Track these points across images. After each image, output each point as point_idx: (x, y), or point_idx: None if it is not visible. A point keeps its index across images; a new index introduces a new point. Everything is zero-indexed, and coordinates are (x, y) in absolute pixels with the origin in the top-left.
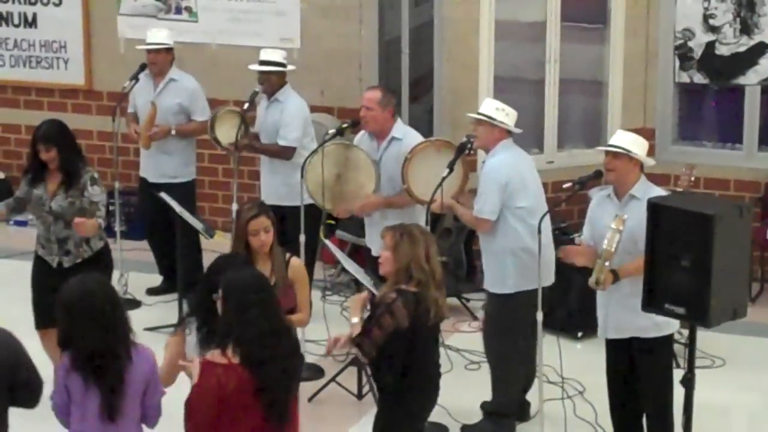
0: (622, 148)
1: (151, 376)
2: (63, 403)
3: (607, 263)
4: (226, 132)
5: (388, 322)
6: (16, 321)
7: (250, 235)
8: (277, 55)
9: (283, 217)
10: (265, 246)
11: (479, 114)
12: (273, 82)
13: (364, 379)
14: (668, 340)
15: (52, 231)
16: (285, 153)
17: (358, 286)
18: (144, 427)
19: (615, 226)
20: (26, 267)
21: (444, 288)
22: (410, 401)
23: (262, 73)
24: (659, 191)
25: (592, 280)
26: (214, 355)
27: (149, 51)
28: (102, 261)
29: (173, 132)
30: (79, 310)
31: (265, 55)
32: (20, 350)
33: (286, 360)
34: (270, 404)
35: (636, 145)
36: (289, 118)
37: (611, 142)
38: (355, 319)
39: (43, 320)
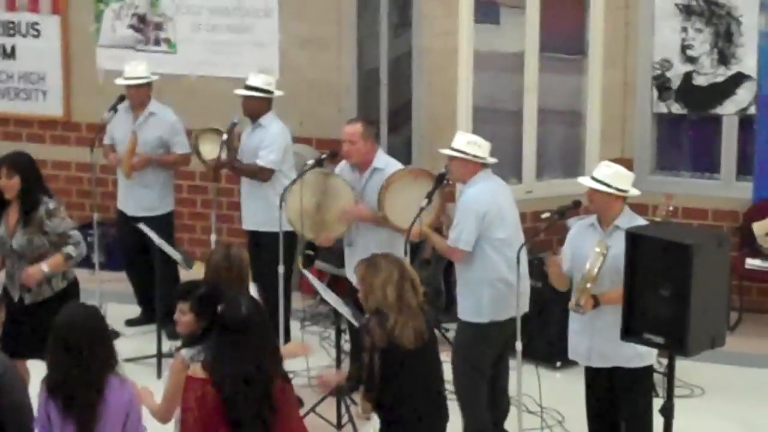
0: (603, 183)
1: (131, 407)
2: (44, 429)
3: (588, 285)
4: (211, 150)
5: (367, 340)
6: None
7: None
8: (261, 81)
9: (258, 244)
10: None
11: (451, 149)
12: (256, 106)
13: (343, 410)
14: (649, 369)
15: (16, 267)
16: (262, 174)
17: (337, 316)
18: None
19: (599, 249)
20: None
21: (414, 314)
22: (413, 428)
23: (246, 97)
24: (642, 222)
25: (572, 303)
26: (196, 369)
27: (128, 86)
28: (65, 301)
29: (154, 158)
30: (57, 339)
31: (251, 81)
32: (9, 379)
33: (260, 400)
34: (235, 422)
35: (618, 178)
36: (269, 141)
37: (594, 174)
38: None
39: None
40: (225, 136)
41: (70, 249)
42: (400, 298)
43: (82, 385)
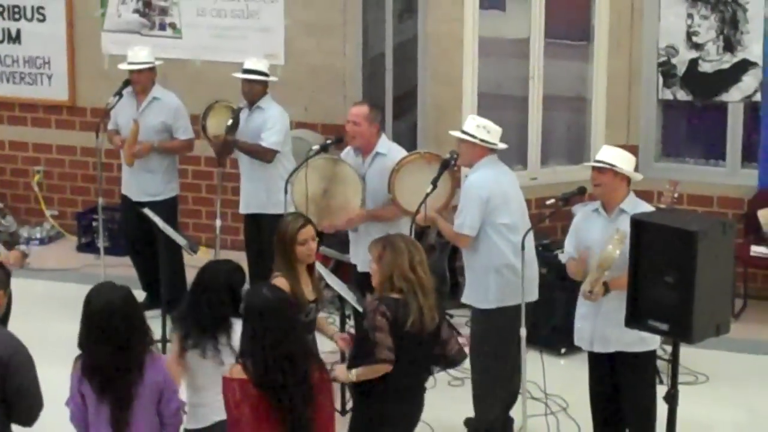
0: (607, 163)
1: (165, 384)
2: (78, 410)
3: (605, 273)
4: (216, 125)
5: (382, 321)
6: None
7: (298, 244)
8: (261, 65)
9: (259, 227)
10: (313, 254)
11: (461, 132)
12: (256, 90)
13: (347, 395)
14: (652, 355)
15: None
16: (266, 155)
17: (342, 302)
18: None
19: (618, 237)
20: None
21: (432, 298)
22: (390, 409)
23: (246, 81)
24: (648, 207)
25: (585, 288)
26: (234, 370)
27: (131, 71)
28: None
29: (156, 145)
30: (96, 322)
31: (249, 64)
32: (16, 361)
33: (299, 384)
34: (291, 427)
35: (622, 159)
36: (271, 122)
37: (597, 157)
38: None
39: None
40: (231, 121)
41: (22, 248)
42: (427, 279)
43: (121, 369)
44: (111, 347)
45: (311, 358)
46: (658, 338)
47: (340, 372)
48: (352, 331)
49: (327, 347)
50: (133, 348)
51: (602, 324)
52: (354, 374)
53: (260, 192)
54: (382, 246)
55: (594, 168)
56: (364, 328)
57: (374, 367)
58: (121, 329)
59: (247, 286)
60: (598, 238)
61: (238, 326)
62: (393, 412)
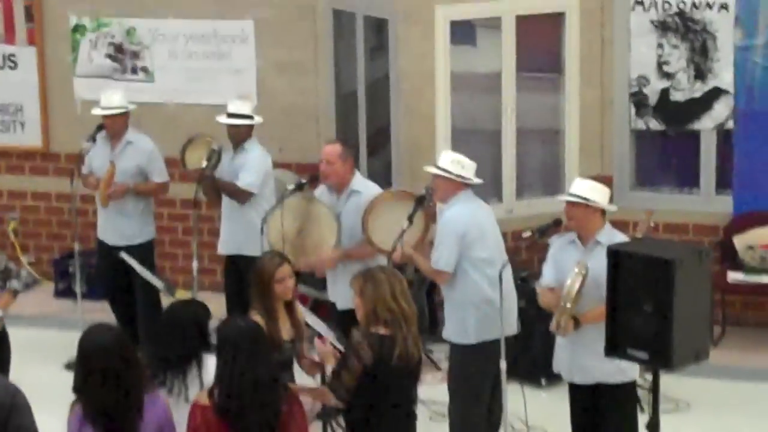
0: (580, 197)
1: (165, 422)
2: None
3: (568, 305)
4: (196, 158)
5: (355, 364)
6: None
7: (276, 282)
8: (245, 108)
9: (237, 269)
10: (290, 292)
11: (435, 167)
12: (240, 133)
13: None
14: (632, 385)
15: None
16: (241, 195)
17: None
18: None
19: (577, 270)
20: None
21: (416, 327)
22: None
23: (230, 126)
24: (623, 238)
25: (553, 325)
26: (200, 396)
27: (104, 116)
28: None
29: (131, 186)
30: (94, 364)
31: (233, 108)
32: (17, 404)
33: (258, 412)
34: None
35: (594, 192)
36: (249, 164)
37: (570, 190)
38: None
39: None
40: (205, 163)
41: (14, 284)
42: (410, 309)
43: (124, 410)
44: (112, 389)
45: (281, 390)
46: (637, 368)
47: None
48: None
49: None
50: (134, 387)
51: (581, 353)
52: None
53: (239, 233)
54: (363, 279)
55: (567, 202)
56: (343, 354)
57: (323, 391)
58: (120, 369)
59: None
60: (573, 270)
61: (211, 361)
62: None
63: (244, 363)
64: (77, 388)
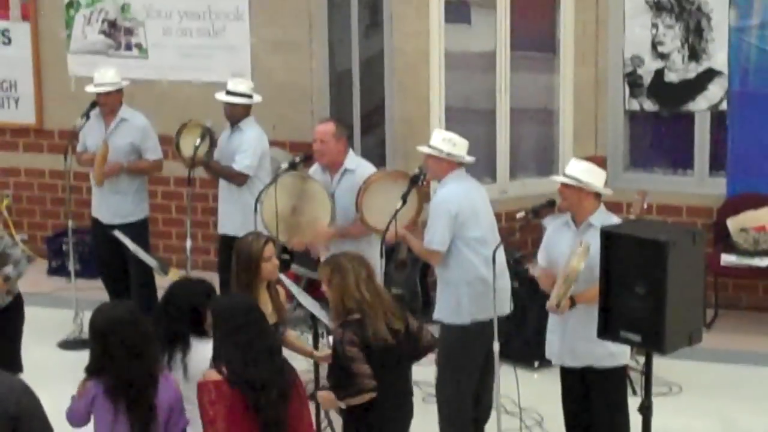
0: (575, 179)
1: (174, 403)
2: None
3: (571, 286)
4: (189, 144)
5: (353, 350)
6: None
7: (264, 261)
8: (244, 86)
9: (232, 248)
10: (276, 271)
11: (428, 146)
12: (237, 112)
13: (322, 415)
14: (622, 370)
15: None
16: (237, 178)
17: (314, 320)
18: None
19: (581, 250)
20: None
21: (386, 304)
22: (381, 419)
23: (227, 103)
24: (617, 220)
25: (551, 303)
26: (208, 373)
27: (98, 93)
28: (9, 315)
29: (125, 165)
30: (113, 339)
31: (232, 86)
32: (24, 411)
33: (276, 380)
34: (265, 424)
35: (589, 174)
36: (246, 145)
37: (566, 171)
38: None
39: None
40: (199, 141)
41: (8, 270)
42: (378, 294)
43: (147, 385)
44: (134, 362)
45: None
46: (627, 353)
47: (327, 398)
48: (327, 350)
49: (302, 366)
50: (153, 363)
51: (571, 337)
52: (344, 404)
53: (235, 214)
54: (330, 269)
55: (561, 183)
56: (340, 356)
57: (363, 396)
58: (140, 343)
59: None
60: (566, 251)
61: (199, 346)
62: (384, 422)
63: (249, 333)
64: (96, 368)
